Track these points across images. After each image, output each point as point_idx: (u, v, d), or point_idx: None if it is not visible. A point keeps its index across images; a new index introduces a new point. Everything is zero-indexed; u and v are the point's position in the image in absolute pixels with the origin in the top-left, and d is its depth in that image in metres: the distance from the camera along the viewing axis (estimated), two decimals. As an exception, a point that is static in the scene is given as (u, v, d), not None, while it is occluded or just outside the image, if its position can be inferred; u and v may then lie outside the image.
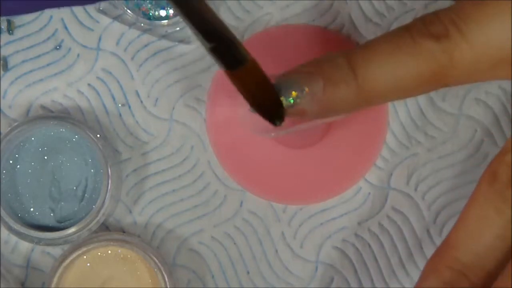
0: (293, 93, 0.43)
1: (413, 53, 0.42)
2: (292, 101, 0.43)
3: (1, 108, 0.52)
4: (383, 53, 0.43)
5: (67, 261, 0.49)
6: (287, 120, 0.44)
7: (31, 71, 0.52)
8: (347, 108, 0.44)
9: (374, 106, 0.45)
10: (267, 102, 0.43)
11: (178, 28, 0.51)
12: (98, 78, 0.52)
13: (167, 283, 0.49)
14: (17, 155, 0.50)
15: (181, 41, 0.51)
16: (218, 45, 0.41)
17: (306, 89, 0.43)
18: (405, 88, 0.43)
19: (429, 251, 0.51)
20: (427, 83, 0.43)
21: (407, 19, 0.51)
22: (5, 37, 0.52)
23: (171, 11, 0.50)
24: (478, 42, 0.42)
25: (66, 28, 0.52)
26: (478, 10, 0.42)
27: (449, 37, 0.42)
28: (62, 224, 0.50)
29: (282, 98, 0.43)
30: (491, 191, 0.43)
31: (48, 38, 0.52)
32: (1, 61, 0.52)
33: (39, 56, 0.52)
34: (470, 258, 0.43)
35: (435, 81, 0.43)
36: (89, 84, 0.52)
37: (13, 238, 0.51)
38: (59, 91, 0.52)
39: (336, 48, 0.51)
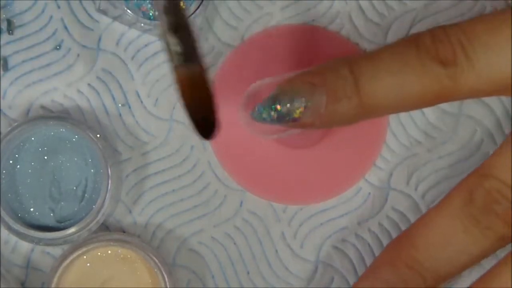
0: (298, 110, 0.43)
1: (419, 74, 0.42)
2: (295, 115, 0.43)
3: (1, 108, 0.52)
4: (388, 70, 0.43)
5: (67, 261, 0.49)
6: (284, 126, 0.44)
7: (31, 71, 0.52)
8: (348, 121, 0.44)
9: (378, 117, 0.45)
10: (204, 115, 0.40)
11: (178, 28, 0.51)
12: (98, 78, 0.52)
13: (167, 283, 0.49)
14: (17, 155, 0.50)
15: (181, 41, 0.51)
16: (181, 37, 0.39)
17: (309, 104, 0.43)
18: (407, 105, 0.44)
19: (429, 251, 0.51)
20: (429, 102, 0.44)
21: (407, 19, 0.51)
22: (5, 37, 0.52)
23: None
24: (483, 71, 0.42)
25: (66, 28, 0.52)
26: (488, 35, 0.42)
27: (456, 64, 0.42)
28: (62, 224, 0.50)
29: (279, 106, 0.43)
30: (464, 211, 0.44)
31: (48, 38, 0.52)
32: (1, 61, 0.52)
33: (39, 56, 0.52)
34: (429, 263, 0.45)
35: (437, 100, 0.43)
36: (89, 84, 0.52)
37: (13, 238, 0.51)
38: (59, 91, 0.52)
39: (336, 48, 0.51)
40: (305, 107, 0.43)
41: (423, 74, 0.42)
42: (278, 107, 0.43)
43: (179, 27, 0.39)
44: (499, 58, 0.42)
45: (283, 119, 0.43)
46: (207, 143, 0.52)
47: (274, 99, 0.43)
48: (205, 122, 0.40)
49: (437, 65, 0.42)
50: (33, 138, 0.50)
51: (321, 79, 0.43)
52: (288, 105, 0.43)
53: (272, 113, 0.43)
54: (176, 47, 0.39)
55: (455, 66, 0.42)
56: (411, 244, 0.45)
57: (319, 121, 0.43)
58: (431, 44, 0.42)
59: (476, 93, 0.43)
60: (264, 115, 0.43)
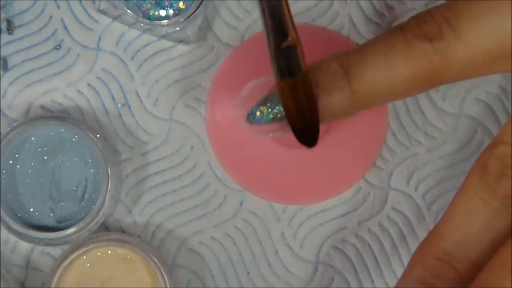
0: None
1: (406, 54, 0.42)
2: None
3: (1, 108, 0.52)
4: (376, 55, 0.43)
5: (67, 261, 0.49)
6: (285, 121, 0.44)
7: (31, 71, 0.52)
8: (343, 113, 0.43)
9: (374, 107, 0.45)
10: (308, 121, 0.43)
11: (178, 28, 0.51)
12: (98, 78, 0.52)
13: (167, 283, 0.49)
14: (16, 155, 0.50)
15: (181, 41, 0.51)
16: (286, 50, 0.41)
17: None
18: (400, 90, 0.43)
19: (429, 251, 0.51)
20: (422, 83, 0.43)
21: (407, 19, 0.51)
22: (5, 37, 0.52)
23: (171, 11, 0.50)
24: (471, 40, 0.42)
25: (66, 28, 0.52)
26: (470, 6, 0.42)
27: (442, 36, 0.42)
28: (62, 224, 0.50)
29: (275, 110, 0.43)
30: (480, 184, 0.43)
31: (48, 38, 0.52)
32: (1, 61, 0.52)
33: (39, 56, 0.52)
34: (458, 249, 0.43)
35: (430, 80, 0.43)
36: (89, 84, 0.52)
37: (13, 238, 0.51)
38: (59, 91, 0.52)
39: (336, 48, 0.51)
40: None
41: (410, 54, 0.42)
42: (269, 104, 0.43)
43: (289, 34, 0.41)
44: (484, 25, 0.42)
45: (277, 117, 0.43)
46: (207, 143, 0.52)
47: (266, 99, 0.43)
48: (307, 130, 0.43)
49: (423, 41, 0.42)
50: (32, 138, 0.50)
51: (311, 75, 0.43)
52: (279, 101, 0.43)
53: (265, 113, 0.43)
54: (283, 63, 0.41)
55: (441, 39, 0.42)
56: (437, 236, 0.43)
57: None
58: (416, 26, 0.42)
59: (469, 68, 0.43)
60: (258, 116, 0.43)
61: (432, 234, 0.44)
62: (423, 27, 0.42)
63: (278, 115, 0.43)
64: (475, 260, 0.43)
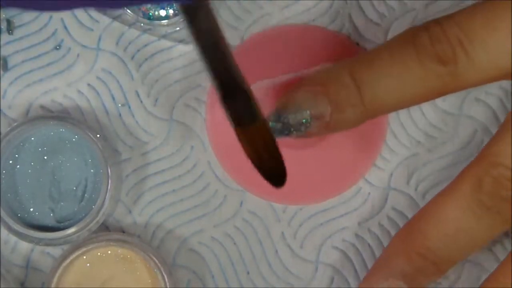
0: (304, 123, 0.43)
1: (421, 76, 0.43)
2: (301, 130, 0.43)
3: (1, 108, 0.52)
4: (389, 74, 0.43)
5: (67, 261, 0.49)
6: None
7: (31, 71, 0.52)
8: (352, 126, 0.44)
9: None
10: (271, 164, 0.42)
11: (178, 28, 0.51)
12: (98, 78, 0.52)
13: (167, 283, 0.49)
14: (16, 155, 0.50)
15: (181, 41, 0.51)
16: (235, 99, 0.40)
17: (314, 113, 0.43)
18: (408, 104, 0.44)
19: (429, 251, 0.51)
20: (430, 97, 0.44)
21: (408, 19, 0.51)
22: (5, 37, 0.52)
23: (171, 11, 0.50)
24: (484, 64, 0.43)
25: (66, 28, 0.52)
26: (484, 29, 0.43)
27: (456, 61, 0.43)
28: (62, 224, 0.50)
29: (289, 122, 0.43)
30: (473, 198, 0.45)
31: (48, 38, 0.52)
32: (1, 61, 0.52)
33: (39, 56, 0.52)
34: (441, 250, 0.46)
35: (438, 95, 0.44)
36: (89, 84, 0.52)
37: (13, 238, 0.51)
38: (59, 91, 0.52)
39: (336, 48, 0.51)
40: (311, 120, 0.43)
41: (424, 74, 0.43)
42: (283, 120, 0.43)
43: (236, 92, 0.39)
44: (497, 48, 0.43)
45: (290, 132, 0.44)
46: (207, 143, 0.52)
47: (280, 112, 0.43)
48: (273, 172, 0.42)
49: (437, 64, 0.43)
50: (32, 138, 0.50)
51: (324, 89, 0.43)
52: (294, 116, 0.43)
53: (279, 127, 0.43)
54: (235, 112, 0.40)
55: (455, 64, 0.43)
56: (423, 234, 0.46)
57: (324, 130, 0.44)
58: (429, 44, 0.43)
59: (477, 85, 0.44)
60: (273, 131, 0.43)
61: (417, 229, 0.46)
62: (437, 47, 0.43)
63: (291, 129, 0.43)
64: (458, 260, 0.46)
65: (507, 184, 0.44)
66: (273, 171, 0.43)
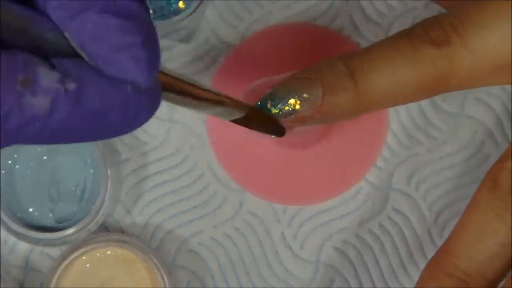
0: (291, 101, 0.43)
1: (413, 59, 0.42)
2: (290, 108, 0.43)
3: (0, 108, 0.51)
4: (383, 59, 0.43)
5: (66, 261, 0.49)
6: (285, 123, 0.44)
7: (30, 71, 0.51)
8: (347, 114, 0.44)
9: (378, 110, 0.45)
10: (270, 127, 0.43)
11: (178, 28, 0.51)
12: (97, 78, 0.52)
13: (167, 284, 0.49)
14: (15, 155, 0.50)
15: (181, 40, 0.51)
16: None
17: (306, 95, 0.43)
18: (405, 95, 0.43)
19: (430, 252, 0.51)
20: (427, 90, 0.43)
21: (408, 19, 0.51)
22: (4, 36, 0.52)
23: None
24: (478, 48, 0.42)
25: (65, 27, 0.52)
26: (478, 14, 0.42)
27: (449, 43, 0.42)
28: (61, 224, 0.50)
29: (280, 106, 0.43)
30: (492, 198, 0.43)
31: (47, 38, 0.52)
32: (0, 61, 0.51)
33: (38, 55, 0.52)
34: (471, 266, 0.43)
35: (435, 87, 0.43)
36: (88, 84, 0.52)
37: (12, 239, 0.51)
38: (58, 91, 0.51)
39: (336, 48, 0.51)
40: (301, 100, 0.43)
41: (416, 57, 0.42)
42: (275, 100, 0.43)
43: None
44: (491, 34, 0.42)
45: (282, 113, 0.43)
46: (207, 144, 0.51)
47: (270, 96, 0.43)
48: (276, 129, 0.43)
49: (429, 47, 0.42)
50: (32, 138, 0.50)
51: (316, 74, 0.43)
52: (284, 98, 0.43)
53: (269, 107, 0.43)
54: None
55: (448, 46, 0.42)
56: (449, 251, 0.43)
57: (318, 115, 0.43)
58: (422, 31, 0.42)
59: (474, 77, 0.43)
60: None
61: (444, 249, 0.44)
62: (430, 33, 0.42)
63: (284, 110, 0.43)
64: (490, 277, 0.43)
65: None
66: (272, 127, 0.43)
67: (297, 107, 0.43)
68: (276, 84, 0.43)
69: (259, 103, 0.43)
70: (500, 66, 0.43)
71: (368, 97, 0.43)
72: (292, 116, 0.43)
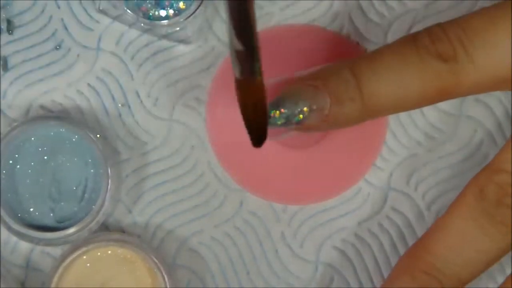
0: (301, 113, 0.43)
1: (419, 71, 0.43)
2: (299, 118, 0.43)
3: (1, 108, 0.52)
4: (390, 69, 0.43)
5: (67, 261, 0.49)
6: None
7: (31, 71, 0.52)
8: (351, 123, 0.44)
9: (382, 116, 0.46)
10: (256, 123, 0.43)
11: (178, 28, 0.51)
12: (98, 78, 0.52)
13: (167, 283, 0.49)
14: (16, 155, 0.50)
15: (181, 41, 0.51)
16: (246, 51, 0.40)
17: (314, 107, 0.43)
18: (409, 104, 0.44)
19: (429, 251, 0.51)
20: (431, 99, 0.44)
21: (408, 19, 0.51)
22: (5, 37, 0.52)
23: (171, 11, 0.50)
24: (483, 65, 0.43)
25: (66, 28, 0.52)
26: (486, 31, 0.43)
27: (457, 58, 0.42)
28: (62, 224, 0.50)
29: (285, 111, 0.43)
30: (477, 208, 0.44)
31: (48, 38, 0.52)
32: (1, 61, 0.52)
33: (39, 56, 0.52)
34: (448, 267, 0.44)
35: (439, 97, 0.44)
36: (89, 84, 0.52)
37: (13, 238, 0.51)
38: (59, 91, 0.52)
39: (336, 49, 0.51)
40: (309, 110, 0.43)
41: (424, 70, 0.43)
42: (282, 110, 0.43)
43: (249, 38, 0.40)
44: (498, 52, 0.43)
45: (289, 122, 0.43)
46: (207, 143, 0.52)
47: (278, 103, 0.43)
48: (258, 128, 0.42)
49: (437, 60, 0.42)
50: (33, 138, 0.50)
51: (323, 82, 0.43)
52: (293, 107, 0.43)
53: (277, 117, 0.43)
54: (245, 60, 0.40)
55: (456, 62, 0.42)
56: (427, 250, 0.44)
57: (324, 124, 0.43)
58: (430, 43, 0.43)
59: (477, 88, 0.44)
60: (270, 120, 0.43)
61: (421, 247, 0.45)
62: (438, 45, 0.43)
63: (290, 119, 0.43)
64: (464, 279, 0.44)
65: (509, 191, 0.43)
66: (255, 131, 0.42)
67: (305, 117, 0.43)
68: (283, 89, 0.43)
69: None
70: (502, 78, 0.43)
71: (373, 107, 0.43)
72: (298, 126, 0.43)
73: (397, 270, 0.46)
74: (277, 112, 0.43)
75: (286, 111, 0.43)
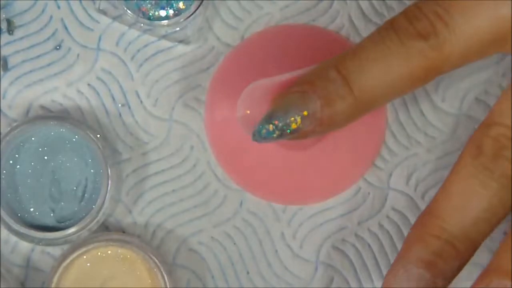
0: (294, 121, 0.43)
1: (403, 55, 0.42)
2: (293, 127, 0.43)
3: (1, 108, 0.52)
4: (374, 60, 0.43)
5: (67, 261, 0.49)
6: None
7: (31, 71, 0.52)
8: (347, 120, 0.44)
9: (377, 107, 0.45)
10: None
11: (178, 29, 0.51)
12: (98, 78, 0.52)
13: (167, 283, 0.49)
14: (17, 155, 0.50)
15: (181, 41, 0.51)
16: None
17: (305, 112, 0.43)
18: (400, 89, 0.43)
19: (429, 251, 0.51)
20: (422, 79, 0.43)
21: (407, 19, 0.51)
22: (5, 37, 0.52)
23: (171, 12, 0.50)
24: (465, 32, 0.42)
25: (66, 28, 0.52)
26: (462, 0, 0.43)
27: (437, 33, 0.42)
28: (62, 224, 0.50)
29: (278, 123, 0.43)
30: (475, 165, 0.43)
31: (48, 38, 0.52)
32: (1, 61, 0.52)
33: (39, 56, 0.52)
34: (457, 229, 0.44)
35: (430, 74, 0.43)
36: (89, 84, 0.52)
37: (13, 238, 0.51)
38: (59, 91, 0.52)
39: (335, 48, 0.51)
40: (302, 117, 0.43)
41: (407, 53, 0.42)
42: (276, 122, 0.43)
43: None
44: (477, 15, 0.42)
45: (284, 133, 0.43)
46: (207, 144, 0.52)
47: (270, 117, 0.43)
48: None
49: (418, 40, 0.42)
50: (33, 138, 0.50)
51: (310, 86, 0.43)
52: (284, 117, 0.43)
53: (271, 130, 0.43)
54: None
55: (436, 37, 0.42)
56: (435, 215, 0.44)
57: (320, 127, 0.43)
58: (407, 24, 0.43)
59: (465, 58, 0.43)
60: (264, 134, 0.43)
61: (428, 214, 0.44)
62: (416, 24, 0.42)
63: (284, 130, 0.43)
64: (475, 239, 0.44)
65: (507, 143, 0.43)
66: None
67: (299, 125, 0.43)
68: (273, 102, 0.43)
69: (260, 126, 0.43)
70: (489, 42, 0.43)
71: (365, 100, 0.43)
72: (294, 135, 0.43)
73: (408, 240, 0.45)
74: (270, 125, 0.43)
75: (279, 123, 0.43)
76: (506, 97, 0.44)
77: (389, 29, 0.43)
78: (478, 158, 0.43)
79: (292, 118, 0.43)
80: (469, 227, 0.44)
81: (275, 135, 0.43)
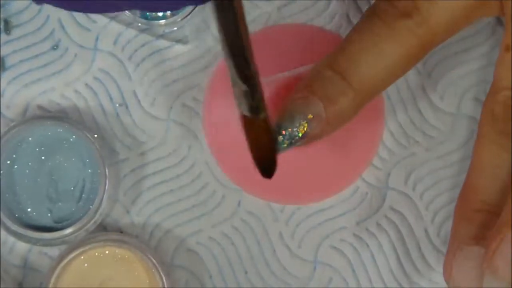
0: (301, 127, 0.43)
1: (393, 38, 0.43)
2: (302, 133, 0.43)
3: (-1, 108, 0.52)
4: (366, 50, 0.43)
5: (65, 261, 0.49)
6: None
7: (28, 71, 0.52)
8: (355, 111, 0.44)
9: (370, 105, 0.45)
10: (264, 157, 0.43)
11: (175, 28, 0.51)
12: (95, 78, 0.52)
13: (165, 284, 0.49)
14: (14, 156, 0.50)
15: (179, 41, 0.51)
16: (250, 89, 0.40)
17: (310, 116, 0.43)
18: (399, 70, 0.44)
19: (427, 251, 0.51)
20: (417, 56, 0.44)
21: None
22: (3, 37, 0.52)
23: (168, 11, 0.50)
24: (446, 1, 0.42)
25: (63, 28, 0.52)
26: None
27: (419, 8, 0.42)
28: (60, 224, 0.50)
29: (286, 133, 0.43)
30: (493, 131, 0.44)
31: (46, 38, 0.52)
32: (-1, 61, 0.52)
33: (36, 56, 0.52)
34: (494, 197, 0.45)
35: (423, 50, 0.44)
36: (86, 84, 0.52)
37: (11, 239, 0.51)
38: (57, 91, 0.52)
39: (333, 48, 0.51)
40: (308, 121, 0.43)
41: (396, 35, 0.43)
42: (283, 132, 0.43)
43: (250, 78, 0.40)
44: None
45: (294, 140, 0.43)
46: (205, 143, 0.52)
47: (278, 127, 0.43)
48: (265, 162, 0.43)
49: (402, 20, 0.43)
50: (30, 138, 0.50)
51: (309, 90, 0.43)
52: (291, 126, 0.43)
53: (281, 141, 0.43)
54: (247, 98, 0.41)
55: (419, 11, 0.43)
56: (472, 191, 0.45)
57: (328, 126, 0.44)
58: (389, 6, 0.43)
59: (455, 25, 0.44)
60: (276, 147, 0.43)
61: (465, 191, 0.46)
62: (397, 5, 0.43)
63: (293, 137, 0.43)
64: (505, 203, 0.44)
65: None
66: (265, 164, 0.43)
67: (306, 129, 0.43)
68: (276, 116, 0.44)
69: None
70: (473, 6, 0.43)
71: (366, 90, 0.43)
72: (304, 139, 0.43)
73: (455, 221, 0.46)
74: (280, 137, 0.43)
75: (286, 132, 0.43)
76: (502, 62, 0.45)
77: (372, 16, 0.43)
78: (494, 125, 0.44)
79: (298, 125, 0.43)
80: (504, 191, 0.44)
81: (285, 145, 0.43)
